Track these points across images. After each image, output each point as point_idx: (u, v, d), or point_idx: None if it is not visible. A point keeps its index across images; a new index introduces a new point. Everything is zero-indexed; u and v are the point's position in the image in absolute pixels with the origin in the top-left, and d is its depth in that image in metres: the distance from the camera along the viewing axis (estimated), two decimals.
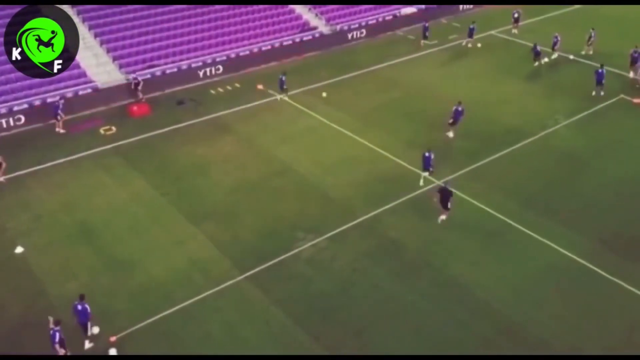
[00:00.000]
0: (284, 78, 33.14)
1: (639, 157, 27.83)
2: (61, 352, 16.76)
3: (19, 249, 21.76)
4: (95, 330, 17.85)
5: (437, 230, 22.99)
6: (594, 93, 33.19)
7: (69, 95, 32.14)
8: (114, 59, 35.50)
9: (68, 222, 23.38)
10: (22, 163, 27.18)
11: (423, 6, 46.55)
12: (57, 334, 16.64)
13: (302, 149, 28.57)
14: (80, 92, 32.68)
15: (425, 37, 41.57)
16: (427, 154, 25.10)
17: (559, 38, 38.31)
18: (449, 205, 22.77)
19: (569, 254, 21.46)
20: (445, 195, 22.82)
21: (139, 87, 33.10)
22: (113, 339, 17.91)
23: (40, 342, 17.15)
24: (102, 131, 30.28)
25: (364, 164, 27.31)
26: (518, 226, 22.95)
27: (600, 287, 20.17)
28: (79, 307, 17.54)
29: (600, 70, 33.06)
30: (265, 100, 33.67)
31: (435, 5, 46.91)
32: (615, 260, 21.24)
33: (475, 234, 22.79)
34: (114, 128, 30.56)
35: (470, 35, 41.29)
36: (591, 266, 20.93)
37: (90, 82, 33.48)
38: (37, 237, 22.51)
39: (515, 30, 43.38)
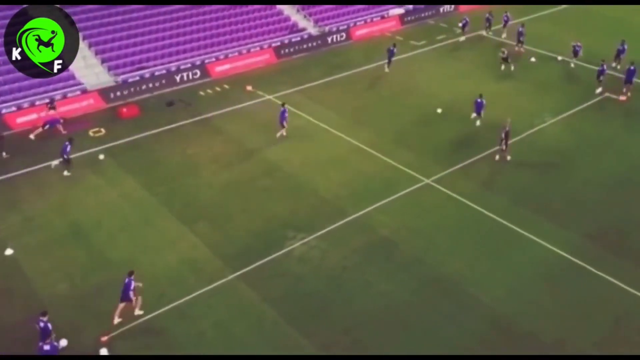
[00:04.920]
0: (68, 144, 26.46)
1: (624, 153, 28.22)
2: (133, 298, 18.42)
3: (8, 251, 21.69)
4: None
5: (427, 228, 23.19)
6: (613, 64, 36.10)
7: (58, 97, 32.07)
8: (103, 60, 35.48)
9: (59, 224, 23.35)
10: (12, 165, 27.16)
11: (410, 6, 46.91)
12: (133, 282, 18.32)
13: (291, 149, 28.67)
14: (69, 94, 32.63)
15: (520, 42, 40.17)
16: None
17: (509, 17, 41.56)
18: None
19: (558, 250, 21.73)
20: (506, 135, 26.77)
21: (51, 111, 30.66)
22: (104, 338, 17.91)
23: (30, 343, 17.10)
24: (91, 133, 30.24)
25: (353, 163, 27.48)
26: (507, 224, 23.18)
27: (588, 282, 20.46)
28: None
29: (621, 47, 36.11)
30: (254, 101, 33.76)
31: (422, 6, 47.30)
32: (602, 255, 21.55)
33: (465, 231, 23.00)
34: (103, 130, 30.52)
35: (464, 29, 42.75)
36: (579, 261, 21.20)
37: (79, 84, 33.44)
38: (28, 239, 22.45)
39: (462, 38, 42.91)
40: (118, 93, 34.02)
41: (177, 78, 35.95)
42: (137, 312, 18.86)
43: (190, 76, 36.26)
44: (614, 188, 25.57)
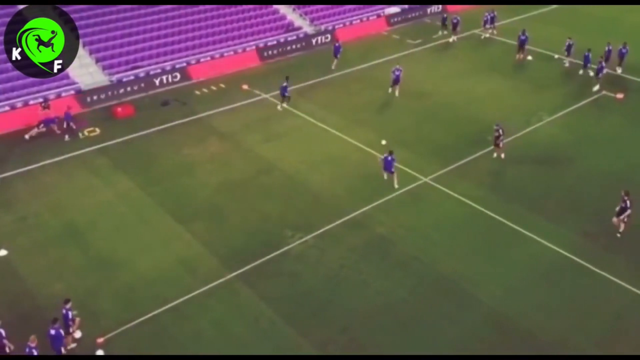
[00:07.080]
0: (286, 85, 31.81)
1: (621, 151, 28.17)
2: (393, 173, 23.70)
3: (2, 252, 21.46)
4: None
5: (425, 227, 23.09)
6: (619, 71, 36.37)
7: (52, 97, 31.79)
8: (97, 60, 35.25)
9: (54, 224, 23.14)
10: (6, 165, 26.91)
11: (406, 6, 46.85)
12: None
13: (288, 148, 28.54)
14: (63, 94, 32.39)
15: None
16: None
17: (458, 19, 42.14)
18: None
19: (555, 248, 21.67)
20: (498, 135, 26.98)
21: (46, 109, 30.27)
22: (100, 340, 17.73)
23: (24, 343, 16.89)
24: (85, 133, 30.00)
25: (350, 162, 27.35)
26: (506, 222, 23.09)
27: (587, 280, 20.39)
28: None
29: (624, 49, 36.03)
30: (250, 100, 33.60)
31: (418, 5, 47.22)
32: (601, 253, 21.48)
33: (463, 229, 22.91)
34: (97, 129, 30.30)
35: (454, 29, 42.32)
36: (576, 259, 21.15)
37: (73, 83, 33.21)
38: (22, 239, 22.22)
39: (454, 38, 42.54)
40: (113, 92, 33.75)
41: (172, 77, 35.69)
42: (396, 185, 24.58)
43: (185, 75, 36.06)
44: (612, 186, 25.38)
